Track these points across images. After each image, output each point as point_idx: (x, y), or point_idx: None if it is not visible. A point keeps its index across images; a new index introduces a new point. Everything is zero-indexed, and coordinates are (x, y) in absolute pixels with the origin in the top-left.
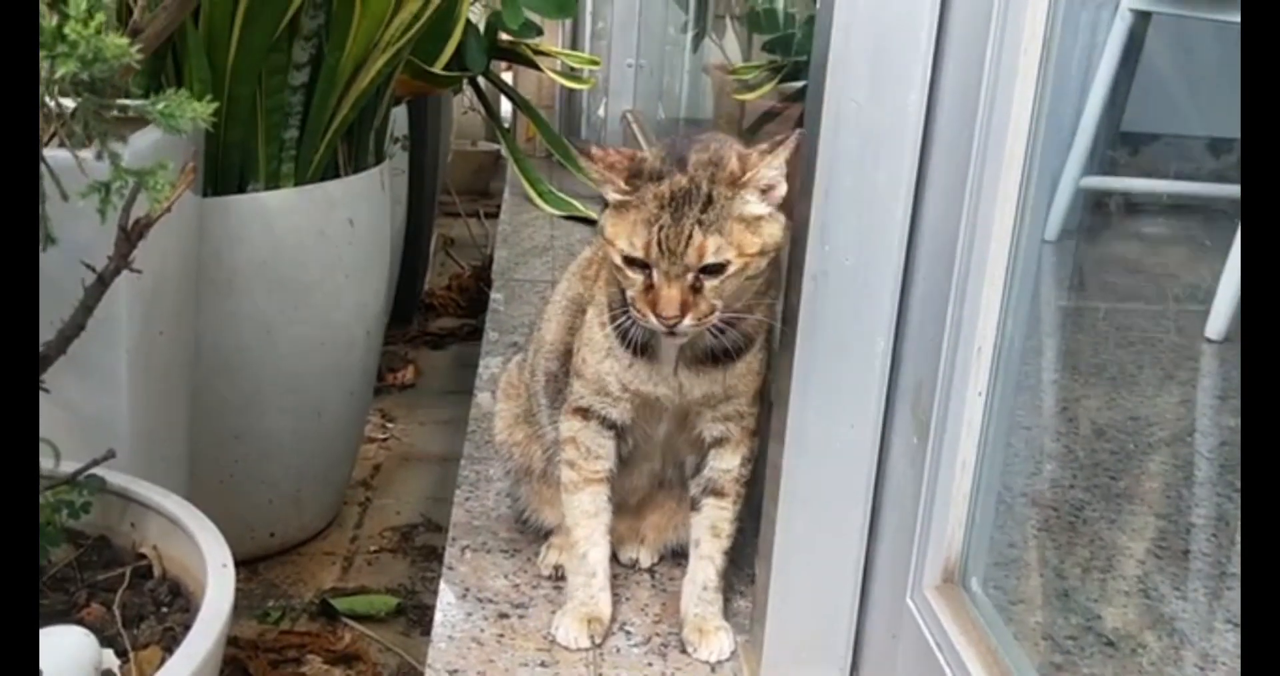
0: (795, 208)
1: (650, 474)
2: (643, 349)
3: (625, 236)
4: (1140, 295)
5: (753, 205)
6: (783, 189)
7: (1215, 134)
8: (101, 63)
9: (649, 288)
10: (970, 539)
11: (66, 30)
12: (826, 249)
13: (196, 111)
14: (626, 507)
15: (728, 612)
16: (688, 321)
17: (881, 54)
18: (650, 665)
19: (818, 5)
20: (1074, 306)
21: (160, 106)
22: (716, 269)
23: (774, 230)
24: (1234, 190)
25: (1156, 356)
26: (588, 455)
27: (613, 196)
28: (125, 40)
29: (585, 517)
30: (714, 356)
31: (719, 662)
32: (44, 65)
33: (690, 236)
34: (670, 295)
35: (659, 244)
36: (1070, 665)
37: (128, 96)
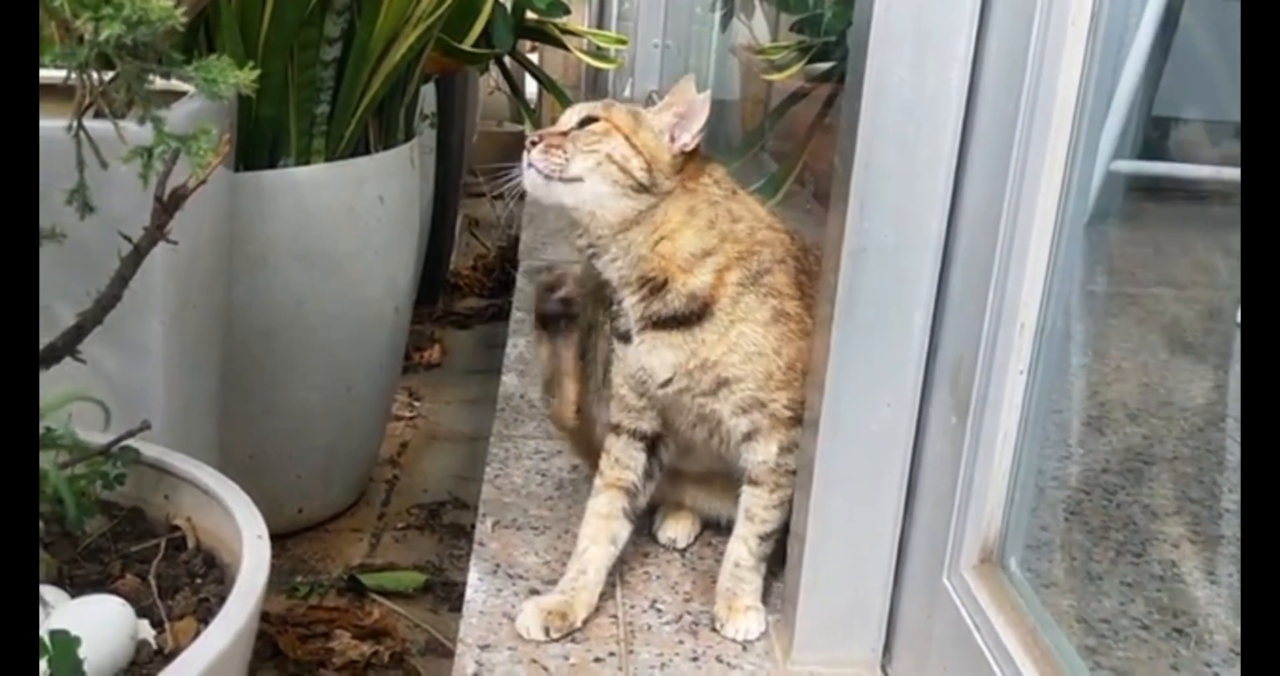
0: (833, 184)
1: (700, 464)
2: (624, 336)
3: None
4: (1171, 280)
5: (651, 116)
6: (686, 140)
7: None
8: (146, 25)
9: None
10: (1009, 518)
11: None
12: (866, 225)
13: (239, 78)
14: (676, 483)
15: (768, 594)
16: (539, 147)
17: (924, 27)
18: (681, 642)
19: None
20: (1105, 291)
21: (200, 72)
22: (586, 123)
23: (655, 142)
24: None
25: (1188, 341)
26: (615, 464)
27: None
28: (170, 2)
29: (596, 517)
30: (665, 321)
31: (749, 641)
32: (88, 27)
33: (589, 104)
34: (548, 131)
35: (573, 108)
36: (1109, 648)
37: (169, 63)
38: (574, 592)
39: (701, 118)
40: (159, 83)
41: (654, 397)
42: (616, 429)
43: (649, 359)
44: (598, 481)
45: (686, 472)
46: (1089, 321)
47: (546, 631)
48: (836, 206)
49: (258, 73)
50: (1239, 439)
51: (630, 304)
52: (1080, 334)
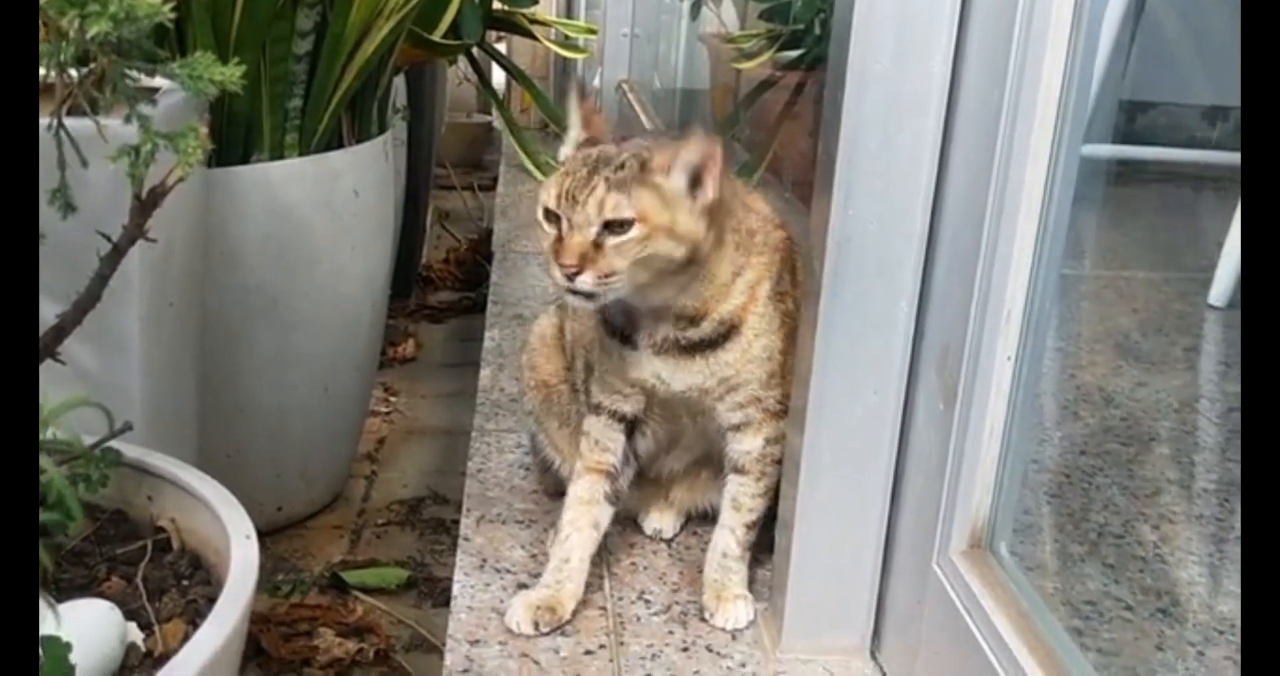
0: (817, 174)
1: (684, 454)
2: (624, 337)
3: (546, 188)
4: (1144, 263)
5: (670, 183)
6: (710, 193)
7: (1213, 102)
8: (133, 22)
9: (558, 239)
10: (998, 503)
11: None
12: (850, 214)
13: (225, 74)
14: (660, 480)
15: (753, 582)
16: (586, 276)
17: (906, 16)
18: (671, 633)
19: None
20: (1078, 275)
21: (185, 69)
22: (619, 227)
23: (690, 221)
24: (1233, 157)
25: (1160, 323)
26: (595, 446)
27: (565, 149)
28: None
29: (578, 503)
30: (688, 346)
31: (738, 630)
32: (74, 24)
33: (594, 188)
34: (571, 244)
35: (568, 193)
36: (1099, 630)
37: (151, 60)
38: (559, 585)
39: (719, 166)
40: (155, 73)
41: (650, 386)
42: (596, 408)
43: (666, 373)
44: (578, 465)
45: (671, 469)
46: (1062, 305)
47: (536, 626)
48: (821, 196)
49: (243, 69)
50: (1214, 420)
51: (652, 328)
52: (1054, 317)
